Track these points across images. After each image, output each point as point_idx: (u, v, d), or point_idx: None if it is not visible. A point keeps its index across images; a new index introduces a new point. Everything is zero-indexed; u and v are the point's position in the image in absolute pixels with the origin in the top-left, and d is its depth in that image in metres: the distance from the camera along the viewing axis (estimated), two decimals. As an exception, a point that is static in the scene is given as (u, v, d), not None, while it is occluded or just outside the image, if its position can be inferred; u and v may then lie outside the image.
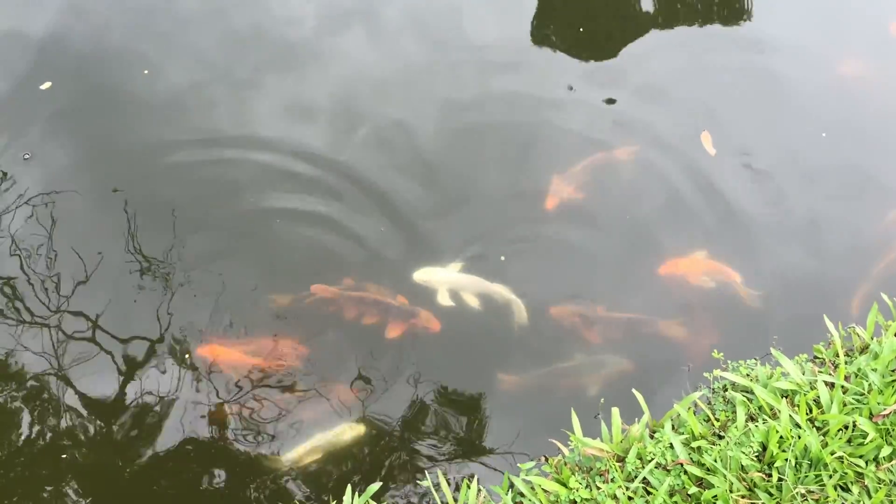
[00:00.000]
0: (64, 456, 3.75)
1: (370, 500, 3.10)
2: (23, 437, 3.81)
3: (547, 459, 3.29)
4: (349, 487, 3.13)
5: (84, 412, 3.88)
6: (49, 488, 3.66)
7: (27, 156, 4.70)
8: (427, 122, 4.99)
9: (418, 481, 3.16)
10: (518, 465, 3.24)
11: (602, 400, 3.50)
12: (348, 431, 3.80)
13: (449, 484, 3.18)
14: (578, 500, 3.03)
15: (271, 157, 4.78)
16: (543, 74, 5.33)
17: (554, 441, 3.36)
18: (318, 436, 3.79)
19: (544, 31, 5.62)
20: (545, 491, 3.09)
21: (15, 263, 4.33)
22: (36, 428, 3.83)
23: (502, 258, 4.48)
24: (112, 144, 4.82)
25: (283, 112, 5.03)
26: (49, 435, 3.80)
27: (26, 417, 3.87)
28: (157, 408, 3.92)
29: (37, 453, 3.75)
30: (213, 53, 5.29)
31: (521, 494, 3.13)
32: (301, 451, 3.76)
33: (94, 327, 4.12)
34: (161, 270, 4.31)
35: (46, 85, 5.05)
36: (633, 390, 3.39)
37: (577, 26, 5.75)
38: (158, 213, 4.50)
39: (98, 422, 3.85)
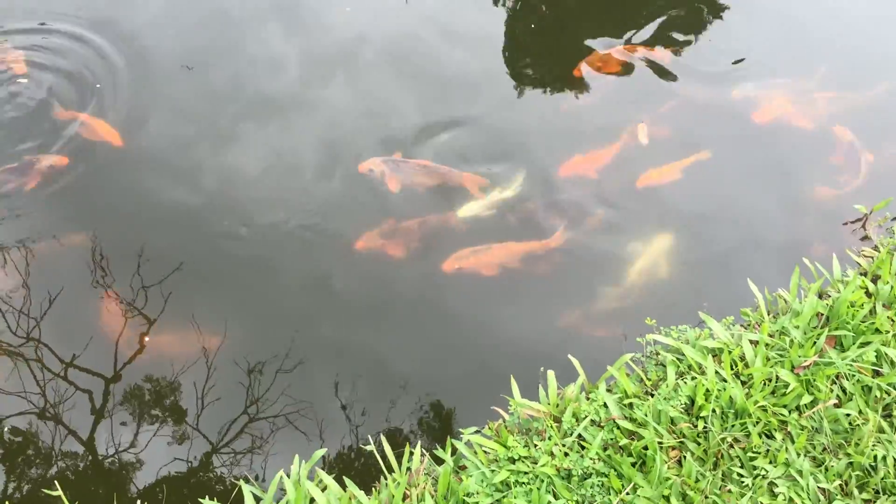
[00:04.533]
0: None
1: (316, 468, 3.20)
2: None
3: (488, 425, 3.40)
4: (296, 457, 3.22)
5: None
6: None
7: None
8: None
9: (362, 446, 3.26)
10: (459, 430, 3.35)
11: (542, 368, 3.64)
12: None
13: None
14: (516, 457, 3.15)
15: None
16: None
17: (495, 408, 3.48)
18: None
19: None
20: (486, 451, 3.21)
21: None
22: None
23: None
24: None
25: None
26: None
27: None
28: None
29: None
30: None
31: (464, 458, 3.24)
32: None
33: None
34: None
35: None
36: (569, 356, 3.53)
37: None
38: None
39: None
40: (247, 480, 3.26)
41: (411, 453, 3.25)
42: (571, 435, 3.20)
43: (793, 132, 5.20)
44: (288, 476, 3.13)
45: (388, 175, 4.79)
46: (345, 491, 3.13)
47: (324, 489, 3.14)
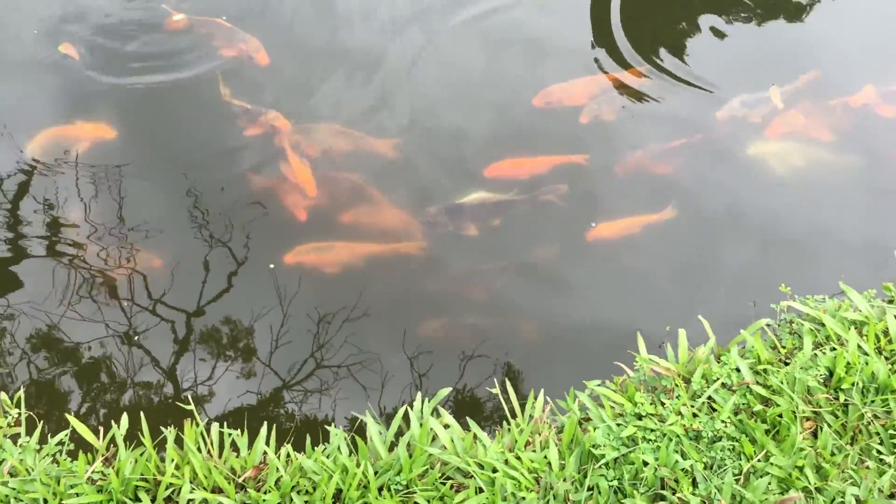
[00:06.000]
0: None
1: (438, 406, 3.21)
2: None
3: (613, 379, 3.35)
4: (419, 394, 3.23)
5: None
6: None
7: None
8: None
9: (488, 388, 3.25)
10: (583, 382, 3.31)
11: (668, 327, 3.55)
12: None
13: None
14: (643, 413, 3.09)
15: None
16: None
17: (619, 363, 3.42)
18: None
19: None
20: (612, 404, 3.16)
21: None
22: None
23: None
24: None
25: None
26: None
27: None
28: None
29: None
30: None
31: (586, 410, 3.20)
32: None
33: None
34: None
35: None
36: (699, 317, 3.44)
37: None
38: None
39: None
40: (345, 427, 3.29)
41: (535, 398, 3.22)
42: (701, 396, 3.12)
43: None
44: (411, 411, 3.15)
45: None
46: (467, 432, 3.13)
47: (445, 427, 3.14)
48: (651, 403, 3.15)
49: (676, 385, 3.19)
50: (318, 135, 4.82)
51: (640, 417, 3.10)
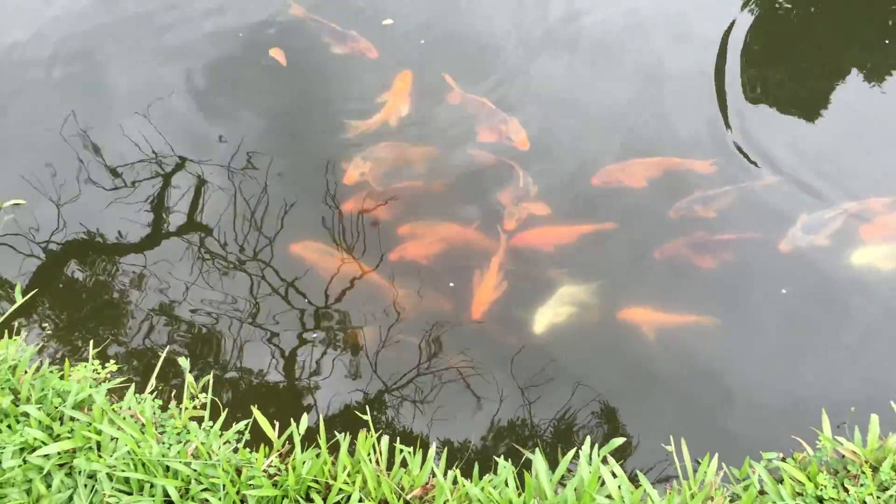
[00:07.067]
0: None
1: (608, 455, 3.15)
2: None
3: (791, 455, 3.22)
4: (588, 438, 3.19)
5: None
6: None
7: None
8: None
9: (663, 445, 3.18)
10: (760, 452, 3.19)
11: (853, 409, 3.39)
12: None
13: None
14: (825, 497, 2.96)
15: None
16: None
17: (796, 437, 3.28)
18: None
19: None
20: (792, 480, 3.04)
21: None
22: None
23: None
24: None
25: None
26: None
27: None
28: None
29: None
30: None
31: (761, 482, 3.08)
32: None
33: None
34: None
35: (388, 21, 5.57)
36: (892, 402, 3.26)
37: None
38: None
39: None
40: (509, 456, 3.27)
41: (708, 461, 3.13)
42: (889, 489, 2.96)
43: None
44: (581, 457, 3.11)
45: None
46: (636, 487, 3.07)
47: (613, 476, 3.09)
48: (834, 487, 3.01)
49: (863, 472, 3.03)
50: None
51: (821, 501, 2.96)
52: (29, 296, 3.83)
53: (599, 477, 3.03)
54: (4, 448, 3.02)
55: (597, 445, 3.14)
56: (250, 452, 3.09)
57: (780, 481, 3.08)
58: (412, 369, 4.08)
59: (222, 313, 4.23)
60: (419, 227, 4.60)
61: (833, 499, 2.96)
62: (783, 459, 3.18)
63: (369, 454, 3.10)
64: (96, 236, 4.56)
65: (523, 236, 4.60)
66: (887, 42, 5.61)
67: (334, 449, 3.18)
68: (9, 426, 3.12)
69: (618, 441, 3.12)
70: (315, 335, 4.19)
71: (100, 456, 3.04)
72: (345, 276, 4.41)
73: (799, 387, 3.95)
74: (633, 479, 3.11)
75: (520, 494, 3.02)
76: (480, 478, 3.08)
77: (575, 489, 3.01)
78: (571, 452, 3.12)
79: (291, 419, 3.16)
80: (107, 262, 4.41)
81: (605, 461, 3.14)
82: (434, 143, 5.00)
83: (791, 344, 4.17)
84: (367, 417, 3.18)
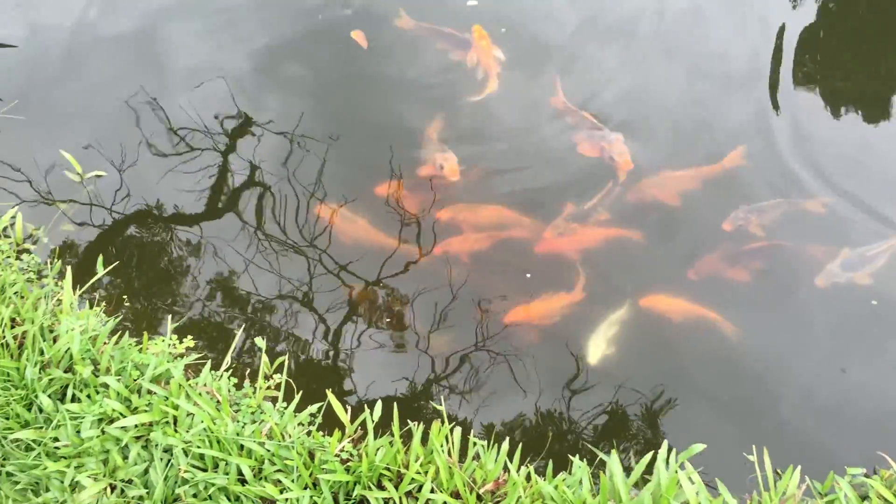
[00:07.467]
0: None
1: (686, 461, 3.08)
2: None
3: (875, 471, 3.11)
4: (665, 442, 3.11)
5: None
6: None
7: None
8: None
9: (744, 454, 3.09)
10: (845, 467, 3.09)
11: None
12: None
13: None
14: (914, 518, 2.84)
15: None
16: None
17: (882, 454, 3.17)
18: None
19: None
20: (879, 499, 2.93)
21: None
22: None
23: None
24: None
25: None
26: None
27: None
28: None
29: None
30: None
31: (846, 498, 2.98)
32: None
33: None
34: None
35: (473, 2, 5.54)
36: None
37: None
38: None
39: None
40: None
41: (791, 473, 3.03)
42: (984, 514, 2.83)
43: None
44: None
45: None
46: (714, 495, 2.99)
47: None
48: (922, 508, 2.89)
49: (954, 494, 2.91)
50: None
51: (908, 522, 2.85)
52: (110, 267, 3.87)
53: (677, 482, 2.95)
54: (84, 417, 3.06)
55: (674, 450, 3.07)
56: (323, 436, 3.09)
57: (864, 498, 2.98)
58: (488, 367, 4.02)
59: (297, 298, 4.23)
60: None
61: (921, 520, 2.85)
62: (865, 476, 3.08)
63: (441, 445, 3.07)
64: (175, 210, 4.59)
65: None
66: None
67: (405, 438, 3.16)
68: (88, 396, 3.17)
69: (698, 447, 3.03)
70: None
71: (176, 431, 3.06)
72: (424, 266, 4.37)
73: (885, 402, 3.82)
74: (709, 486, 3.03)
75: (594, 496, 2.96)
76: (554, 476, 3.03)
77: (651, 493, 2.94)
78: (648, 456, 3.05)
79: (365, 406, 3.14)
80: (185, 239, 4.44)
81: (681, 467, 3.07)
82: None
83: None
84: (442, 408, 3.15)
